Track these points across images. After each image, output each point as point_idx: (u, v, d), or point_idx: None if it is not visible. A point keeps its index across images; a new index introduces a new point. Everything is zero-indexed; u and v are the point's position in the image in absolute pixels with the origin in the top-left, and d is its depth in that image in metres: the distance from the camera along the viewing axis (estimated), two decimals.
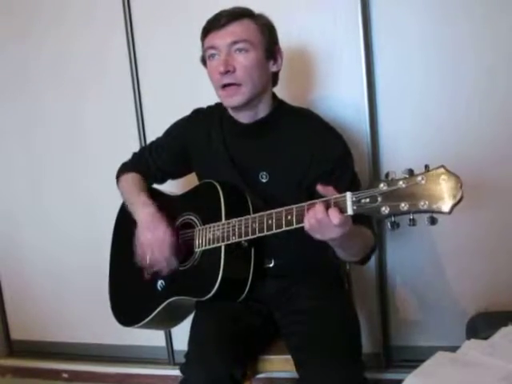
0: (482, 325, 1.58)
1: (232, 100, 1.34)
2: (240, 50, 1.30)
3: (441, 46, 1.70)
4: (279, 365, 1.41)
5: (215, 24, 1.31)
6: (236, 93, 1.32)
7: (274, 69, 1.38)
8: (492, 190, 1.69)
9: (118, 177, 1.61)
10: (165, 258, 1.37)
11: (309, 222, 1.10)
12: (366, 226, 1.27)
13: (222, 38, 1.30)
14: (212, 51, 1.33)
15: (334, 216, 1.06)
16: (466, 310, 1.76)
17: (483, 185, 1.64)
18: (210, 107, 1.53)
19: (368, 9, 1.73)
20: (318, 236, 1.12)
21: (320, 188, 1.11)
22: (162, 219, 1.40)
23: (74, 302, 2.32)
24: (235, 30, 1.30)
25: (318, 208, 1.08)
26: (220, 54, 1.31)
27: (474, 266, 1.79)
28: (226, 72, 1.30)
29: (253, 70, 1.32)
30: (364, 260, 1.34)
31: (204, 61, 1.40)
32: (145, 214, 1.42)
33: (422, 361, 1.11)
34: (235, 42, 1.30)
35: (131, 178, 1.56)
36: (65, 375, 2.36)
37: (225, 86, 1.32)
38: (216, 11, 1.33)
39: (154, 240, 1.38)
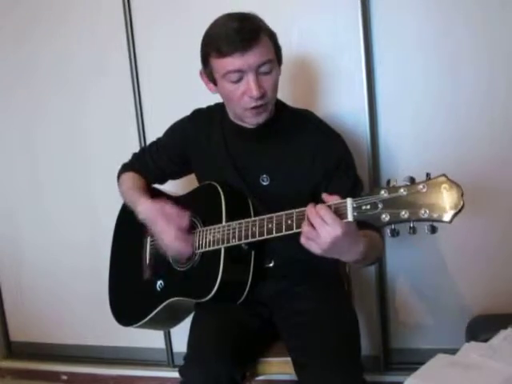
0: (482, 327, 1.58)
1: (259, 118, 1.32)
2: (266, 71, 1.27)
3: (440, 50, 1.70)
4: (278, 367, 1.41)
5: (236, 46, 1.22)
6: (264, 111, 1.31)
7: (279, 72, 1.37)
8: (492, 193, 1.69)
9: (118, 177, 1.61)
10: (178, 243, 1.34)
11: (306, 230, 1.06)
12: (372, 230, 1.22)
13: (249, 61, 1.23)
14: (237, 74, 1.26)
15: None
16: (465, 312, 1.76)
17: (483, 188, 1.64)
18: (210, 107, 1.52)
19: (368, 13, 1.73)
20: (315, 248, 1.06)
21: (325, 197, 1.08)
22: (158, 210, 1.38)
23: (74, 304, 2.32)
24: (260, 51, 1.24)
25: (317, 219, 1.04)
26: (246, 78, 1.26)
27: (474, 269, 1.79)
28: (262, 96, 1.27)
29: (276, 86, 1.32)
30: (373, 263, 1.33)
31: (211, 77, 1.33)
32: (142, 212, 1.42)
33: (422, 363, 1.11)
34: (262, 64, 1.26)
35: (129, 177, 1.57)
36: (64, 377, 2.36)
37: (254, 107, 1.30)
38: (217, 12, 1.30)
39: (159, 232, 1.37)
